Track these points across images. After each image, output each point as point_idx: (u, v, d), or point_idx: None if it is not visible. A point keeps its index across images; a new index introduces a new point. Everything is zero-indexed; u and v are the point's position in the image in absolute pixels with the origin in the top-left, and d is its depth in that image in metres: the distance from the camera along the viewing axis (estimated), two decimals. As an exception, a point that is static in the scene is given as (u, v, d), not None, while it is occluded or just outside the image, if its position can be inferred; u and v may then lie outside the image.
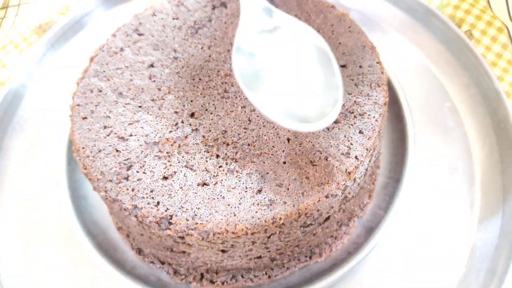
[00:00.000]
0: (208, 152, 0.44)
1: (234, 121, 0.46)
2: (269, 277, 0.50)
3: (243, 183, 0.41)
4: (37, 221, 0.55)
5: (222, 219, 0.39)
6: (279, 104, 0.39)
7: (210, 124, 0.46)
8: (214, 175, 0.42)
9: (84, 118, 0.46)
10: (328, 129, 0.44)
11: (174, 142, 0.45)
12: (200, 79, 0.49)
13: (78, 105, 0.47)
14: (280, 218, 0.39)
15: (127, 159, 0.43)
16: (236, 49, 0.42)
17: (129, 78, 0.49)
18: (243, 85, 0.40)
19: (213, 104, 0.47)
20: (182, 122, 0.46)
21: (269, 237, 0.42)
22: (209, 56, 0.51)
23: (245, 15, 0.45)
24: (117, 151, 0.44)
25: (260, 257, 0.46)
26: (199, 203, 0.40)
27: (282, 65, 0.42)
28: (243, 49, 0.42)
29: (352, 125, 0.44)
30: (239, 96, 0.47)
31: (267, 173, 0.42)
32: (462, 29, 0.66)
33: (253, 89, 0.40)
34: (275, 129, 0.45)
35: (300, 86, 0.41)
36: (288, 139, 0.44)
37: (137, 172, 0.43)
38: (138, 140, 0.45)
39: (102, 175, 0.42)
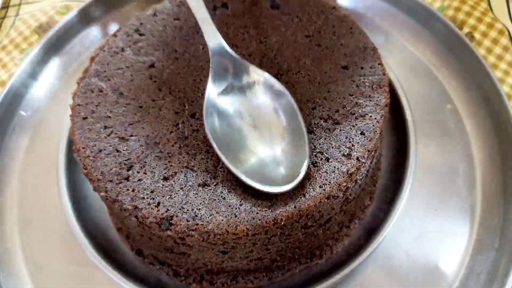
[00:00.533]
0: (209, 152, 0.44)
1: (235, 121, 0.46)
2: (270, 278, 0.49)
3: (244, 184, 0.41)
4: (37, 221, 0.55)
5: (222, 220, 0.39)
6: (251, 167, 0.40)
7: (211, 125, 0.46)
8: (215, 176, 0.42)
9: (85, 118, 0.46)
10: (330, 130, 0.44)
11: (175, 143, 0.44)
12: (201, 80, 0.49)
13: (78, 105, 0.47)
14: (281, 219, 0.39)
15: (128, 159, 0.43)
16: (206, 112, 0.43)
17: (130, 78, 0.49)
18: (216, 148, 0.41)
19: (214, 105, 0.47)
20: (183, 122, 0.46)
21: (270, 239, 0.41)
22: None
23: (215, 75, 0.45)
24: (117, 151, 0.44)
25: (260, 258, 0.45)
26: (200, 204, 0.40)
27: (252, 126, 0.43)
28: (214, 112, 0.43)
29: (353, 126, 0.44)
30: (240, 96, 0.47)
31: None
32: (463, 31, 0.66)
33: (227, 150, 0.41)
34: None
35: (270, 148, 0.42)
36: (289, 140, 0.44)
37: (138, 172, 0.42)
38: (138, 140, 0.45)
39: (103, 176, 0.42)
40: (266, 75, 0.45)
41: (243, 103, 0.44)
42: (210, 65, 0.46)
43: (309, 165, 0.41)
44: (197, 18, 0.49)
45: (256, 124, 0.43)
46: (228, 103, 0.44)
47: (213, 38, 0.47)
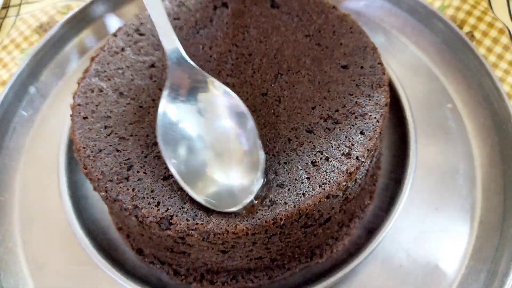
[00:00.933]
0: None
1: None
2: (270, 277, 0.49)
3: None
4: (38, 221, 0.55)
5: (222, 219, 0.39)
6: (210, 192, 0.39)
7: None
8: (215, 176, 0.42)
9: (85, 117, 0.46)
10: (329, 130, 0.44)
11: (175, 142, 0.44)
12: (201, 79, 0.49)
13: (79, 104, 0.47)
14: (281, 219, 0.39)
15: (128, 159, 0.43)
16: (159, 115, 0.41)
17: (130, 78, 0.49)
18: (164, 153, 0.40)
19: (214, 104, 0.47)
20: (183, 122, 0.46)
21: (269, 238, 0.41)
22: (210, 56, 0.51)
23: (171, 82, 0.43)
24: (117, 151, 0.44)
25: (260, 257, 0.45)
26: (200, 203, 0.40)
27: (204, 136, 0.41)
28: (166, 116, 0.41)
29: (353, 125, 0.44)
30: (240, 96, 0.47)
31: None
32: (463, 31, 0.66)
33: (174, 158, 0.40)
34: (276, 129, 0.44)
35: (220, 161, 0.40)
36: (289, 140, 0.44)
37: (138, 172, 0.42)
38: (138, 140, 0.45)
39: (103, 175, 0.42)
40: (226, 89, 0.43)
41: (200, 122, 0.42)
42: (167, 76, 0.44)
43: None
44: (155, 25, 0.46)
45: (214, 146, 0.41)
46: (185, 122, 0.42)
47: (171, 45, 0.45)
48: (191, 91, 0.43)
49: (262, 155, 0.41)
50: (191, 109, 0.42)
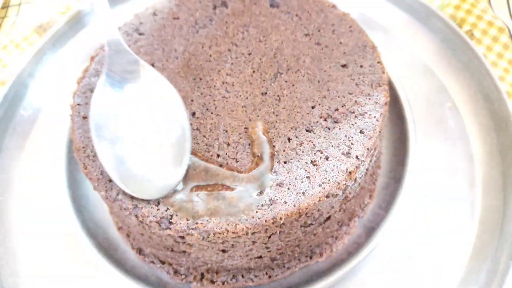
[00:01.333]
0: (209, 152, 0.44)
1: (235, 120, 0.46)
2: (270, 277, 0.49)
3: (244, 183, 0.41)
4: (37, 221, 0.55)
5: (222, 218, 0.39)
6: (122, 168, 0.40)
7: (211, 124, 0.46)
8: (214, 175, 0.42)
9: (85, 117, 0.46)
10: (329, 129, 0.44)
11: (175, 142, 0.44)
12: (200, 79, 0.49)
13: (78, 104, 0.47)
14: (281, 218, 0.39)
15: (128, 158, 0.43)
16: (93, 100, 0.42)
17: (130, 78, 0.49)
18: (93, 132, 0.41)
19: (214, 104, 0.47)
20: (183, 121, 0.46)
21: (269, 237, 0.41)
22: (210, 55, 0.51)
23: (108, 68, 0.44)
24: (117, 150, 0.44)
25: (260, 257, 0.45)
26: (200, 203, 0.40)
27: (133, 123, 0.42)
28: (100, 102, 0.42)
29: (352, 125, 0.44)
30: (240, 95, 0.47)
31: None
32: (463, 29, 0.66)
33: (102, 140, 0.41)
34: (276, 128, 0.45)
35: (145, 149, 0.41)
36: (289, 139, 0.44)
37: (138, 171, 0.42)
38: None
39: (103, 175, 0.42)
40: (161, 78, 0.44)
41: (131, 109, 0.43)
42: (105, 62, 0.44)
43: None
44: (97, 13, 0.47)
45: (141, 133, 0.42)
46: (116, 109, 0.43)
47: (111, 34, 0.45)
48: (126, 79, 0.44)
49: (188, 145, 0.42)
50: (124, 96, 0.43)
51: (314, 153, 0.43)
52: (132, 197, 0.41)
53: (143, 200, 0.41)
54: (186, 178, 0.42)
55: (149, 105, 0.43)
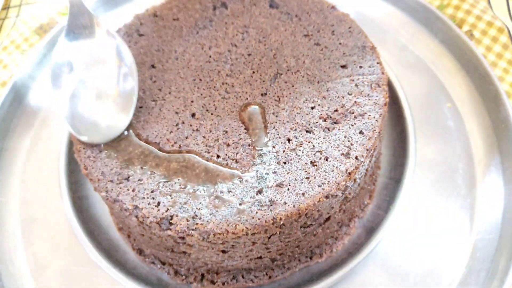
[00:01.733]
0: (209, 152, 0.44)
1: (235, 121, 0.46)
2: (270, 277, 0.50)
3: (243, 184, 0.41)
4: (37, 221, 0.55)
5: (222, 219, 0.39)
6: (75, 115, 0.45)
7: (211, 125, 0.46)
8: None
9: (85, 118, 0.46)
10: (329, 130, 0.44)
11: (175, 143, 0.45)
12: (200, 80, 0.49)
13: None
14: (281, 219, 0.39)
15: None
16: (53, 53, 0.46)
17: (130, 79, 0.49)
18: (51, 80, 0.45)
19: (214, 105, 0.47)
20: (183, 122, 0.46)
21: (269, 238, 0.42)
22: (210, 56, 0.51)
23: (68, 24, 0.47)
24: (117, 151, 0.44)
25: (260, 257, 0.46)
26: (200, 203, 0.40)
27: (86, 74, 0.46)
28: (58, 55, 0.46)
29: (352, 125, 0.44)
30: (240, 96, 0.47)
31: (267, 173, 0.42)
32: (462, 30, 0.66)
33: (57, 88, 0.45)
34: (275, 129, 0.45)
35: (97, 98, 0.46)
36: (289, 140, 0.44)
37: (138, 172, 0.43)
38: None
39: (103, 176, 0.43)
40: (113, 33, 0.48)
41: (86, 60, 0.47)
42: (68, 18, 0.47)
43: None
44: None
45: (93, 84, 0.46)
46: (74, 59, 0.46)
47: None
48: (83, 34, 0.48)
49: (135, 98, 0.46)
50: (80, 50, 0.47)
51: (314, 154, 0.43)
52: (132, 198, 0.41)
53: (143, 200, 0.41)
54: (186, 179, 0.42)
55: (102, 58, 0.47)
